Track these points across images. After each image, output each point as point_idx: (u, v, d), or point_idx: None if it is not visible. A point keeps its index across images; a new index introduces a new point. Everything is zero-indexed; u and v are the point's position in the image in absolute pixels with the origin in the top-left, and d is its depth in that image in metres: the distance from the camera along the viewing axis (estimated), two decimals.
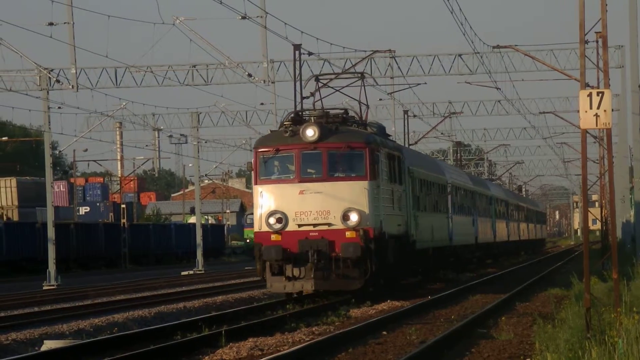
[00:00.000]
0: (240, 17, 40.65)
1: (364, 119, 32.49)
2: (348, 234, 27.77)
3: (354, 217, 27.75)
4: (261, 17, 43.07)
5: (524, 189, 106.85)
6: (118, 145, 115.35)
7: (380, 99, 57.38)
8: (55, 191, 64.96)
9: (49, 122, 47.20)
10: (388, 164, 31.35)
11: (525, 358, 16.30)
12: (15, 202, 79.36)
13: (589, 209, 22.41)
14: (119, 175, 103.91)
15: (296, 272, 27.71)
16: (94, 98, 69.11)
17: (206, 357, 17.43)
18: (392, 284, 32.94)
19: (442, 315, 25.50)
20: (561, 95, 76.04)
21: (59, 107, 51.76)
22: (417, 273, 38.83)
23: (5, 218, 71.88)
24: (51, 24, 42.47)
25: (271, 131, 30.66)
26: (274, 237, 28.00)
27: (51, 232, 46.88)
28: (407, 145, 51.95)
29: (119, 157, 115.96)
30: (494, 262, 56.32)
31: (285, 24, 40.12)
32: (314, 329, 21.86)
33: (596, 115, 17.54)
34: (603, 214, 32.45)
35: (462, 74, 50.78)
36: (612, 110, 18.47)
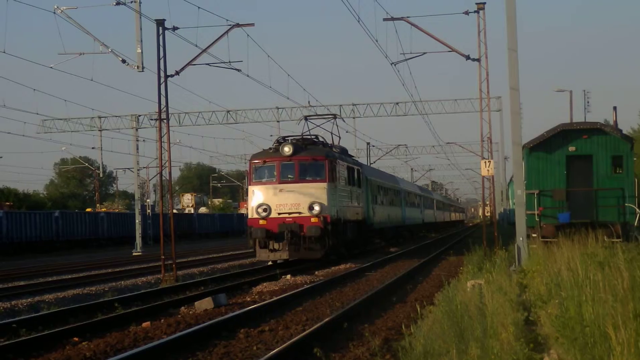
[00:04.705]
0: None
1: (336, 144, 39.20)
2: (312, 219, 32.66)
3: (316, 208, 32.78)
4: None
5: (459, 199, 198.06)
6: None
7: (347, 132, 79.42)
8: None
9: None
10: (347, 173, 37.22)
11: (461, 266, 26.40)
12: None
13: (486, 207, 38.67)
14: None
15: (276, 246, 32.83)
16: None
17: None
18: (352, 251, 40.66)
19: (423, 252, 43.33)
20: (474, 161, 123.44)
21: None
22: (377, 242, 49.44)
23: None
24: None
25: (263, 149, 35.53)
26: (261, 222, 32.94)
27: None
28: (368, 164, 74.02)
29: None
30: (437, 232, 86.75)
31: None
32: (349, 265, 33.99)
33: (488, 170, 34.33)
34: (491, 209, 44.77)
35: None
36: (494, 167, 35.21)
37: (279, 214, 32.84)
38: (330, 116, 40.50)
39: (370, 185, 43.67)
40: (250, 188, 33.74)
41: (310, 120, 40.13)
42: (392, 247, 49.35)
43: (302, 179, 33.40)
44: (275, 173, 33.51)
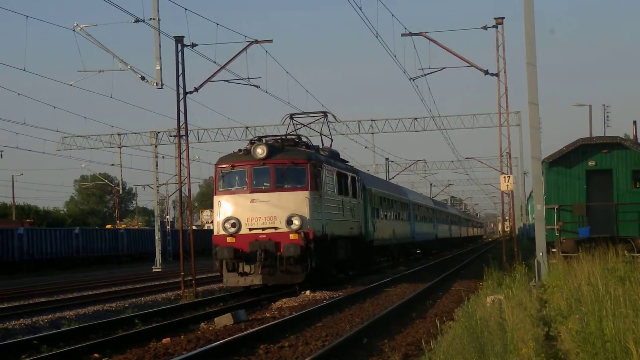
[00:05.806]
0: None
1: (326, 147, 34.15)
2: (291, 236, 27.90)
3: (296, 222, 27.96)
4: None
5: (478, 214, 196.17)
6: None
7: (366, 147, 74.51)
8: None
9: None
10: (337, 180, 32.11)
11: (480, 281, 26.03)
12: None
13: (505, 222, 39.66)
14: None
15: (247, 268, 28.21)
16: None
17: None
18: (346, 273, 36.52)
19: (441, 268, 43.75)
20: (493, 176, 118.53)
21: None
22: (382, 260, 46.42)
23: None
24: None
25: (233, 152, 30.44)
26: (229, 239, 28.18)
27: None
28: (386, 179, 74.14)
29: None
30: (453, 248, 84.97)
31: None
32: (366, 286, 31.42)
33: (507, 185, 35.25)
34: (510, 224, 45.61)
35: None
36: (513, 182, 36.00)
37: (251, 229, 28.29)
38: (320, 114, 35.52)
39: (370, 196, 39.95)
40: (216, 198, 28.99)
41: (297, 119, 35.29)
42: (401, 266, 46.38)
43: (278, 186, 28.66)
44: (246, 180, 28.84)
